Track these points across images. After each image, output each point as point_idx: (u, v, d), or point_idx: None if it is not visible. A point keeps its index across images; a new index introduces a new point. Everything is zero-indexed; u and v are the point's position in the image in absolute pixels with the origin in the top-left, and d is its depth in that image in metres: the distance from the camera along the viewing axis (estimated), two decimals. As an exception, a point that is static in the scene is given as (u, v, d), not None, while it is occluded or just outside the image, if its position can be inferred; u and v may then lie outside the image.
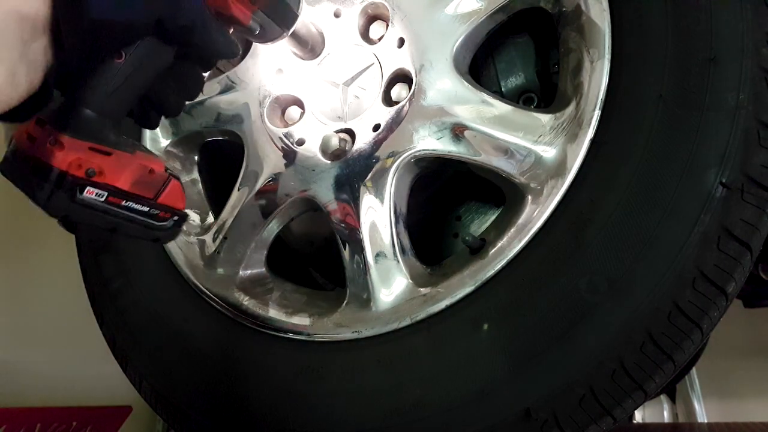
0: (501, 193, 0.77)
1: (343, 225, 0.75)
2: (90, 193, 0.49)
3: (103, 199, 0.49)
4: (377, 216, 0.73)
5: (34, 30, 0.43)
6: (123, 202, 0.51)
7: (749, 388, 1.44)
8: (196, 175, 0.96)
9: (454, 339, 0.64)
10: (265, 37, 0.67)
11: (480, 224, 0.87)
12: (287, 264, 0.95)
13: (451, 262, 0.74)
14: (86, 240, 0.93)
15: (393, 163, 0.73)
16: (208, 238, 0.85)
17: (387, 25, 0.79)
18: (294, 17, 0.68)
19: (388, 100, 0.77)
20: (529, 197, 0.65)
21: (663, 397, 1.49)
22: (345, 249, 0.75)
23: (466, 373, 0.62)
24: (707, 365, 1.25)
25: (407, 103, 0.73)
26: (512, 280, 0.62)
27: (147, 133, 0.94)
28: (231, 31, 0.61)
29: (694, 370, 1.44)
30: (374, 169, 0.74)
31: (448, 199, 0.88)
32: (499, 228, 0.68)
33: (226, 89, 0.89)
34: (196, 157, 0.96)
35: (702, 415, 1.45)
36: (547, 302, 0.60)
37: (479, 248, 0.69)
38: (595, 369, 0.57)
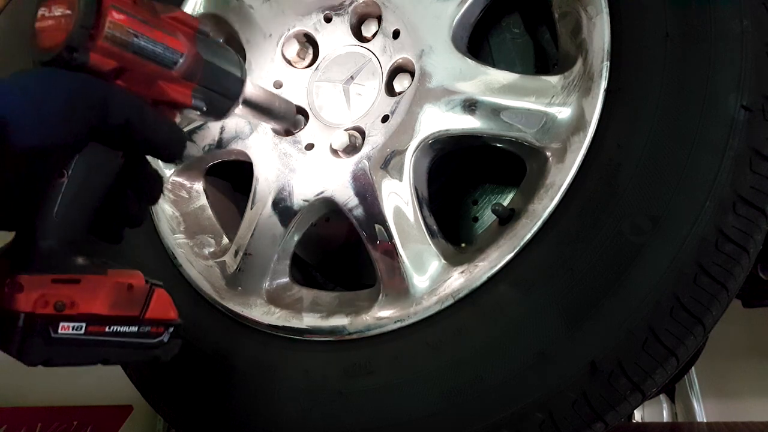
0: (514, 171, 0.78)
1: (366, 218, 0.74)
2: (65, 329, 0.44)
3: (82, 332, 0.45)
4: (400, 204, 0.72)
5: None
6: (106, 329, 0.47)
7: (748, 387, 1.45)
8: (204, 201, 0.94)
9: (502, 308, 0.63)
10: (216, 113, 0.61)
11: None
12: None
13: (482, 237, 0.74)
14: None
15: (409, 149, 0.72)
16: (228, 258, 0.84)
17: (379, 21, 0.80)
18: (239, 83, 0.62)
19: (391, 91, 0.77)
20: (553, 157, 0.66)
21: (662, 397, 1.49)
22: (371, 242, 0.74)
23: (521, 338, 0.61)
24: (706, 365, 1.26)
25: (413, 89, 0.74)
26: (553, 238, 0.62)
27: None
28: (176, 116, 0.58)
29: (693, 370, 1.45)
30: (391, 158, 0.73)
31: (462, 185, 0.88)
32: (526, 194, 0.68)
33: (226, 109, 0.88)
34: (201, 184, 0.95)
35: (701, 415, 1.46)
36: (592, 252, 0.59)
37: (509, 218, 0.69)
38: (653, 310, 0.56)
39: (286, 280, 0.82)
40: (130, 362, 0.50)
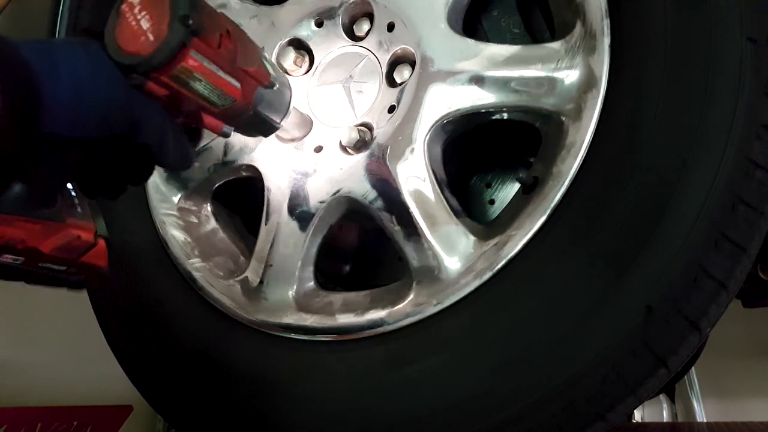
0: (524, 149, 0.78)
1: (387, 208, 0.73)
2: (6, 258, 0.49)
3: (19, 263, 0.50)
4: (420, 188, 0.72)
5: None
6: (39, 265, 0.51)
7: (748, 387, 1.45)
8: (214, 224, 0.93)
9: (544, 270, 0.62)
10: (243, 137, 0.67)
11: (511, 184, 0.88)
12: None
13: (507, 210, 0.73)
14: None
15: (420, 134, 0.72)
16: (250, 273, 0.81)
17: (371, 19, 0.81)
18: (273, 129, 0.66)
19: (393, 83, 0.78)
20: (569, 119, 0.66)
21: (662, 397, 1.48)
22: (396, 231, 0.73)
23: (569, 297, 0.60)
24: (706, 365, 1.25)
25: (416, 76, 0.74)
26: (584, 195, 0.62)
27: (152, 193, 0.91)
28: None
29: (693, 370, 1.45)
30: (404, 146, 0.73)
31: (473, 170, 0.88)
32: (547, 159, 0.68)
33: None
34: (209, 206, 0.93)
35: (701, 415, 1.45)
36: (626, 201, 0.59)
37: (533, 185, 0.69)
38: (700, 245, 0.56)
39: (312, 286, 0.80)
40: (43, 286, 0.55)
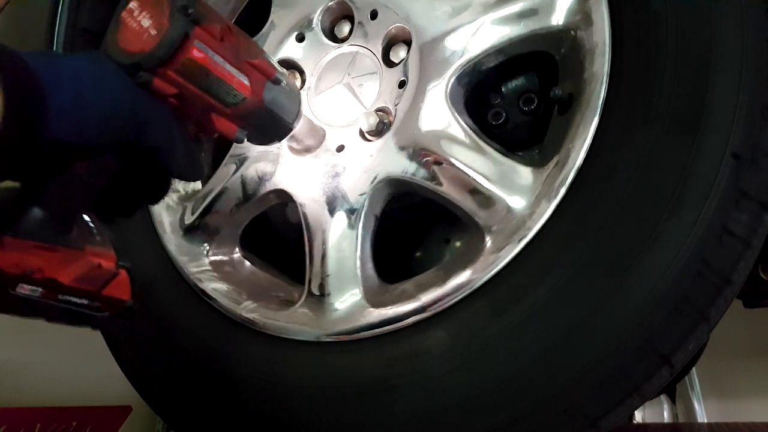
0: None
1: (433, 174, 0.72)
2: (24, 289, 0.47)
3: (37, 295, 0.47)
4: (460, 141, 0.71)
5: None
6: (60, 296, 0.49)
7: (749, 388, 1.46)
8: (249, 266, 0.89)
9: (622, 160, 0.59)
10: (256, 144, 0.66)
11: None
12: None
13: (551, 135, 0.73)
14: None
15: (439, 96, 0.73)
16: (314, 287, 0.77)
17: (351, 16, 0.83)
18: (287, 130, 0.65)
19: (393, 63, 0.79)
20: (581, 30, 0.67)
21: (663, 398, 1.48)
22: (449, 193, 0.71)
23: (654, 182, 0.58)
24: (707, 365, 1.27)
25: (416, 46, 0.75)
26: (627, 81, 0.62)
27: (176, 254, 0.86)
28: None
29: (694, 370, 1.46)
30: (428, 110, 0.73)
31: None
32: (574, 72, 0.67)
33: (240, 163, 0.85)
34: (239, 252, 0.89)
35: (702, 416, 1.46)
36: (670, 81, 0.59)
37: (569, 102, 0.69)
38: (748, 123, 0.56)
39: (377, 282, 0.77)
40: (66, 324, 0.51)
